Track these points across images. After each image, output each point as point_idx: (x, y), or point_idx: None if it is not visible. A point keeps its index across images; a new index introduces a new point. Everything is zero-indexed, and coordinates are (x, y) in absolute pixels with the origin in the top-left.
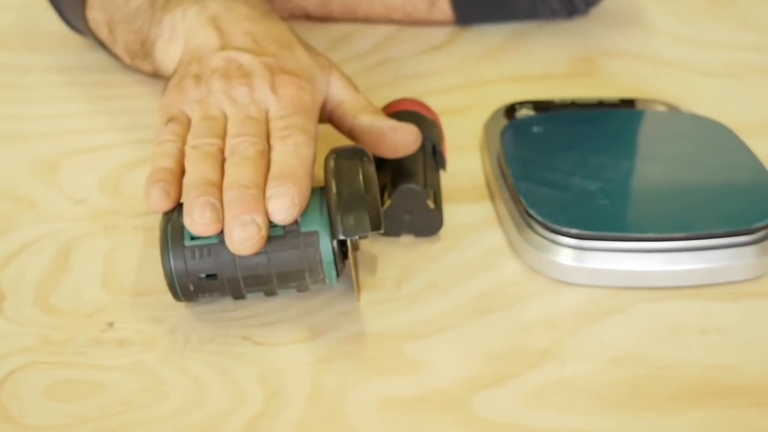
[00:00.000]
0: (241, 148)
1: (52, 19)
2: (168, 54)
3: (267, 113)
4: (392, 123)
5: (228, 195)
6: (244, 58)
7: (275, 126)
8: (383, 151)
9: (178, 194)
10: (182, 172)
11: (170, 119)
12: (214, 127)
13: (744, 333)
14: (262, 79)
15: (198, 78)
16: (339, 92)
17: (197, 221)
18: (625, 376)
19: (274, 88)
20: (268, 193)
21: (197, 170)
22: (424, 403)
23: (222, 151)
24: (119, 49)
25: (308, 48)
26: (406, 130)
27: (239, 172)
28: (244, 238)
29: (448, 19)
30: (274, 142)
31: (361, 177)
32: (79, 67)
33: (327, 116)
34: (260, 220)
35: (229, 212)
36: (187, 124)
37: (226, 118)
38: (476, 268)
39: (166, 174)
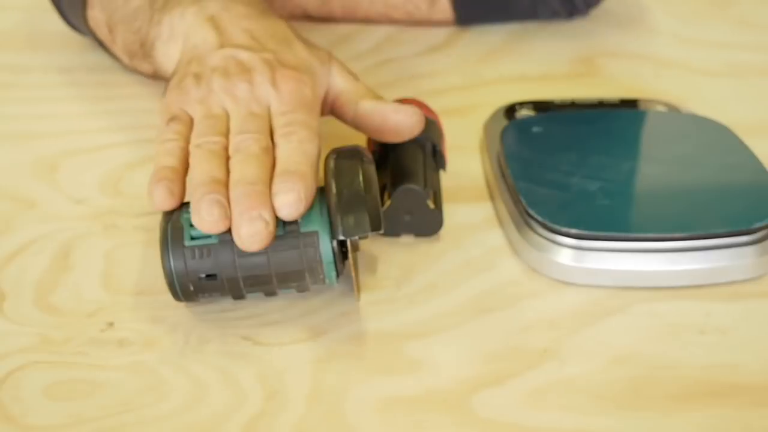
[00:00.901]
0: (245, 145)
1: (53, 20)
2: (167, 55)
3: (269, 109)
4: (394, 105)
5: (234, 192)
6: (243, 55)
7: (278, 122)
8: (387, 134)
9: (182, 193)
10: (185, 171)
11: (172, 118)
12: (217, 125)
13: (744, 333)
14: (262, 75)
15: (198, 77)
16: (339, 83)
17: (205, 218)
18: (625, 376)
19: (274, 84)
20: (274, 189)
21: (203, 168)
22: (424, 402)
23: (226, 149)
24: (118, 50)
25: (307, 43)
26: (409, 111)
27: (244, 169)
28: (252, 233)
29: (449, 18)
30: (277, 138)
31: (361, 177)
32: (79, 67)
33: (329, 108)
34: (267, 215)
35: (236, 209)
36: (189, 123)
37: (228, 116)
38: (476, 268)
39: (170, 172)
